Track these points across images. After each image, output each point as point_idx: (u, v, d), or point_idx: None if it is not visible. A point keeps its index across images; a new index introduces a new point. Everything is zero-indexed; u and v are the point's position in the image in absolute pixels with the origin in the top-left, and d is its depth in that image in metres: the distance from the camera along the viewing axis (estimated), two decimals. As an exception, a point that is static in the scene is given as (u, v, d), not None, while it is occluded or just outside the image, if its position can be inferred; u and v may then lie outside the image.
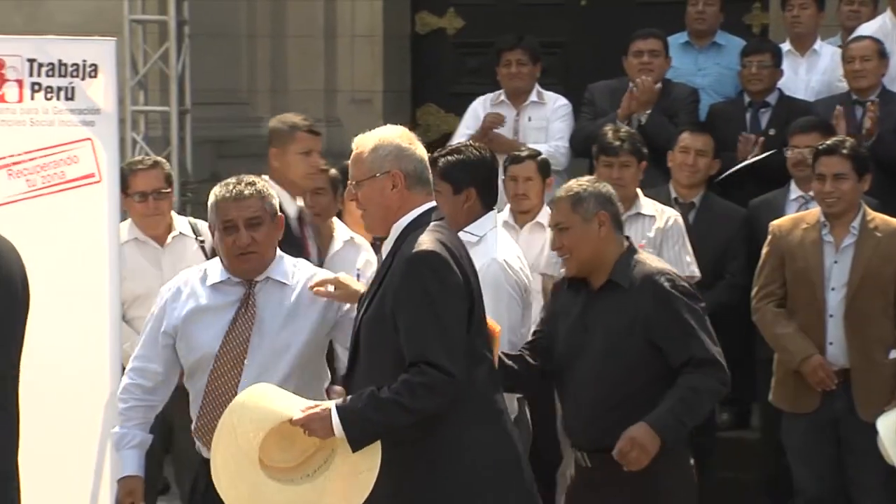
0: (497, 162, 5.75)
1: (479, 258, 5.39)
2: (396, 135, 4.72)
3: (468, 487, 4.58)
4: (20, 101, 5.94)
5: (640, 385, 4.99)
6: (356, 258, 6.41)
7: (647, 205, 6.83)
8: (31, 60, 5.95)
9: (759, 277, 6.51)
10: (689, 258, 6.78)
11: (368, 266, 6.37)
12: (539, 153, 7.38)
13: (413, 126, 12.18)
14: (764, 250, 6.54)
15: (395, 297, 4.54)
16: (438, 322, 4.50)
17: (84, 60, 6.04)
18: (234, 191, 4.98)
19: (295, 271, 5.05)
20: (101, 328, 5.98)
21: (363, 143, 4.69)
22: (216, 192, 5.02)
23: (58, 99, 6.00)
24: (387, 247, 4.67)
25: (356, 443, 4.51)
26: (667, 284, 5.00)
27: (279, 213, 5.03)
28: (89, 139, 6.04)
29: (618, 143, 6.79)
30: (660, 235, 6.74)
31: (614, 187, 6.74)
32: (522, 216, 7.18)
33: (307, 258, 5.75)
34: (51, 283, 5.91)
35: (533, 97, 8.42)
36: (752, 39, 8.91)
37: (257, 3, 11.85)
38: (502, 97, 8.48)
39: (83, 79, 6.04)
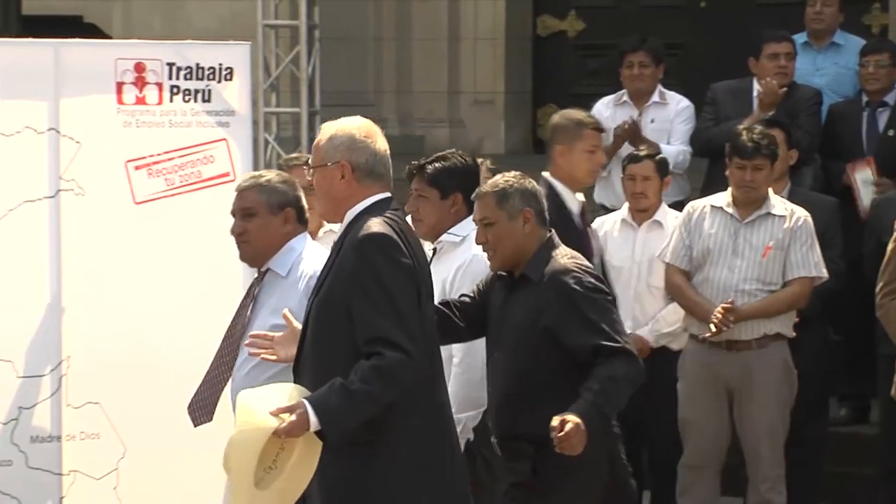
0: (480, 168, 5.74)
1: (462, 255, 5.44)
2: (354, 126, 4.64)
3: (401, 484, 4.47)
4: (160, 103, 5.97)
5: (546, 377, 4.90)
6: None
7: (777, 204, 6.69)
8: (171, 64, 5.98)
9: (884, 274, 6.36)
10: (817, 259, 6.63)
11: None
12: (657, 153, 7.29)
13: (534, 127, 12.18)
14: (889, 246, 6.39)
15: (349, 280, 4.45)
16: (392, 303, 4.39)
17: (220, 64, 6.07)
18: (239, 183, 5.18)
19: (300, 264, 5.07)
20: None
21: (324, 131, 4.66)
22: None
23: (195, 101, 6.04)
24: (339, 233, 4.63)
25: (333, 438, 4.40)
26: (571, 282, 4.90)
27: (288, 208, 5.08)
28: (224, 140, 6.06)
29: (752, 145, 6.66)
30: (788, 235, 6.61)
31: (746, 189, 6.70)
32: (640, 214, 7.09)
33: (588, 252, 5.88)
34: (188, 278, 5.96)
35: (655, 98, 8.33)
36: (871, 39, 8.74)
37: (383, 7, 11.89)
38: (625, 97, 8.40)
39: (219, 82, 6.07)
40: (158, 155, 5.97)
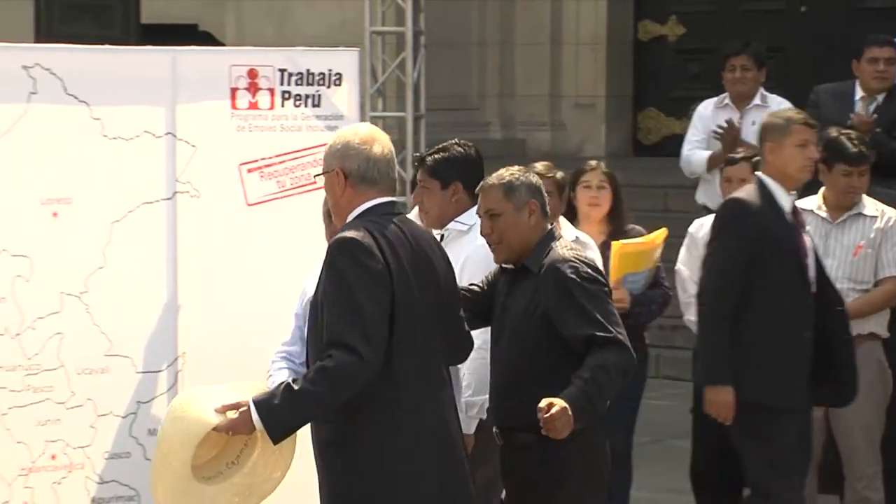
0: (482, 157, 5.71)
1: (469, 244, 5.41)
2: (352, 132, 4.69)
3: (380, 491, 4.48)
4: (271, 108, 6.03)
5: (542, 367, 4.86)
6: None
7: (868, 205, 6.66)
8: (282, 70, 6.02)
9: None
10: None
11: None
12: (754, 155, 7.27)
13: (634, 130, 12.17)
14: None
15: (320, 285, 4.52)
16: (352, 304, 4.40)
17: (329, 70, 6.11)
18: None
19: None
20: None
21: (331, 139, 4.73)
22: None
23: (305, 106, 6.08)
24: None
25: (275, 436, 4.45)
26: (568, 271, 4.85)
27: None
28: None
29: (857, 151, 6.61)
30: (880, 235, 6.58)
31: (851, 195, 6.64)
32: (738, 216, 7.08)
33: (801, 250, 5.88)
34: (297, 277, 6.05)
35: (756, 101, 8.31)
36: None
37: (487, 13, 11.94)
38: (726, 100, 8.39)
39: (328, 87, 6.12)
40: (270, 158, 6.03)
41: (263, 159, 6.03)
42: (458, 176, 5.52)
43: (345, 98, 6.16)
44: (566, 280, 4.84)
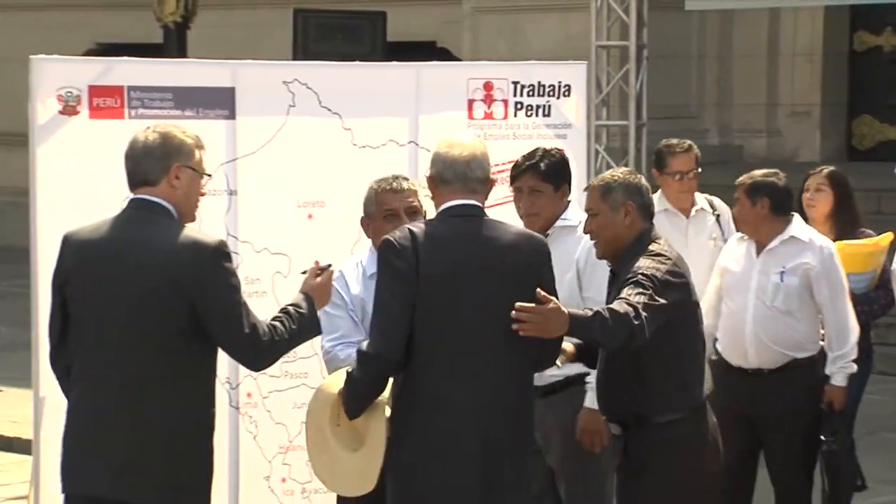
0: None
1: (584, 239, 5.17)
2: (444, 138, 4.59)
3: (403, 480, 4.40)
4: (505, 118, 6.12)
5: (619, 367, 4.75)
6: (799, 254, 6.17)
7: None
8: (515, 83, 6.12)
9: None
10: None
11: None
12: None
13: (849, 136, 11.95)
14: None
15: None
16: (378, 300, 4.39)
17: (559, 82, 6.18)
18: (393, 184, 5.10)
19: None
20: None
21: None
22: (374, 185, 5.13)
23: (536, 116, 6.16)
24: None
25: (345, 410, 4.51)
26: (629, 277, 4.64)
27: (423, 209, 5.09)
28: (562, 150, 6.18)
29: None
30: None
31: None
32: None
33: None
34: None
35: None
36: None
37: (707, 27, 11.87)
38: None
39: (558, 98, 6.18)
40: (503, 164, 6.08)
41: (497, 165, 6.05)
42: (566, 178, 5.48)
43: (573, 108, 6.22)
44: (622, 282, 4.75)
